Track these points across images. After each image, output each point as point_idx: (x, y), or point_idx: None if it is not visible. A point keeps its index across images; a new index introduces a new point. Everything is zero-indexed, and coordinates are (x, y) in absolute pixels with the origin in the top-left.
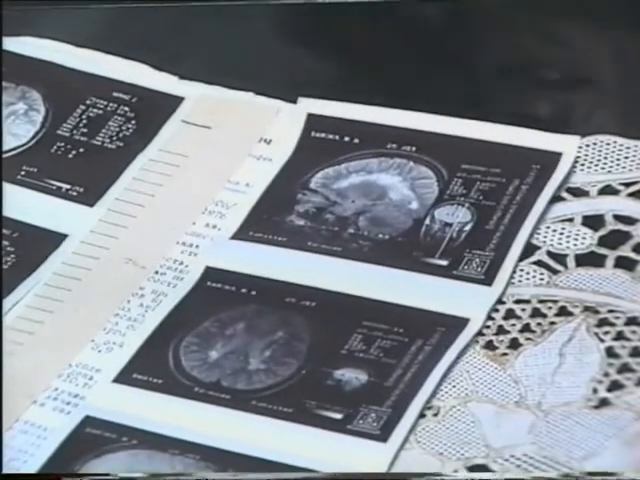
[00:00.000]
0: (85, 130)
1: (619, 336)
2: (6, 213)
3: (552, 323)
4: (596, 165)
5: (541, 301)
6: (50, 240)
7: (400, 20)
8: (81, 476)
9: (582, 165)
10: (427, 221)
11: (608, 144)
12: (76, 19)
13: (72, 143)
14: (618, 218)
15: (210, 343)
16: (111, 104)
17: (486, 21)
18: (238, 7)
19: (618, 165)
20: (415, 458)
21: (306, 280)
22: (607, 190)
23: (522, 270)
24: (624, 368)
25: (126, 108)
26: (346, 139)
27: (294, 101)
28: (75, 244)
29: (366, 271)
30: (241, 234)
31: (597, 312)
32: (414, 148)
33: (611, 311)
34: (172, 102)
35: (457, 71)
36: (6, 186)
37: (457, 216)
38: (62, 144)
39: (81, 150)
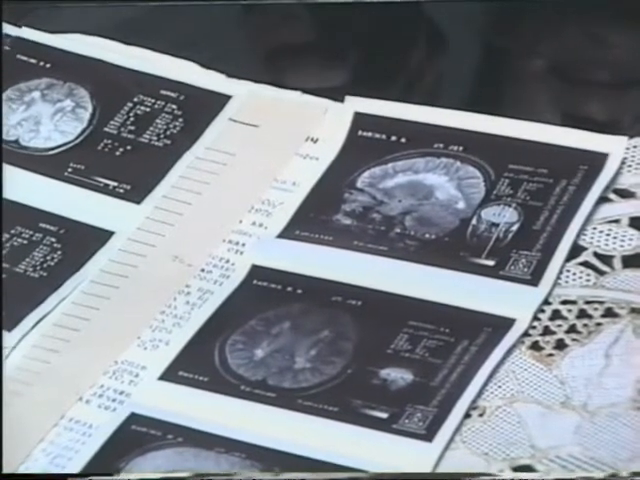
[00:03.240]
0: (132, 128)
1: None
2: (53, 210)
3: (598, 324)
4: None
5: (587, 302)
6: (97, 237)
7: (447, 20)
8: (84, 476)
9: (629, 166)
10: (474, 221)
11: None
12: (124, 16)
13: (119, 140)
14: None
15: (256, 341)
16: (159, 102)
17: (534, 21)
18: (285, 6)
19: None
20: (460, 458)
21: (352, 279)
22: None
23: (569, 271)
24: None
25: (174, 106)
26: (393, 138)
27: (341, 100)
28: (122, 241)
29: (412, 271)
30: (287, 233)
31: None
32: (461, 148)
33: None
34: (219, 100)
35: (505, 71)
36: (54, 183)
37: (504, 216)
38: (109, 141)
39: (128, 148)
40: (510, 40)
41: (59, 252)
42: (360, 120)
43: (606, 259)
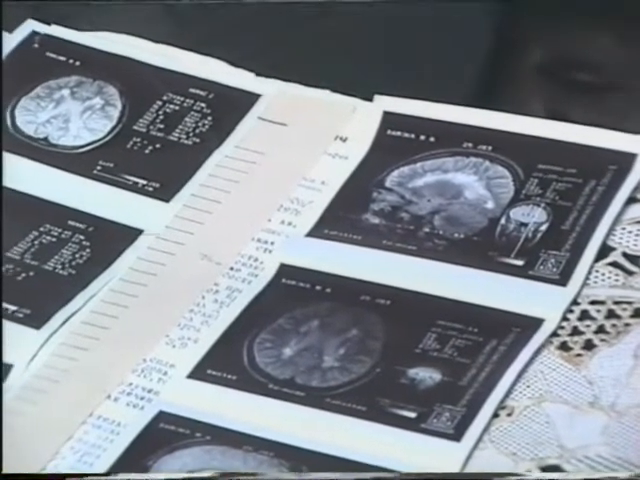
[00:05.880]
0: (162, 126)
1: None
2: (82, 207)
3: (627, 324)
4: None
5: (616, 302)
6: (126, 235)
7: (478, 20)
8: (82, 476)
9: None
10: (503, 221)
11: None
12: (153, 15)
13: (148, 139)
14: None
15: (284, 340)
16: (188, 100)
17: (564, 22)
18: (315, 5)
19: None
20: (488, 458)
21: (381, 278)
22: None
23: (597, 271)
24: None
25: (203, 104)
26: (422, 138)
27: (370, 99)
28: (150, 239)
29: (441, 270)
30: (316, 232)
31: None
32: (490, 147)
33: None
34: (248, 99)
35: (535, 71)
36: (83, 180)
37: (533, 216)
38: (138, 139)
39: (157, 146)
40: (540, 39)
41: (88, 250)
42: (389, 119)
43: (635, 259)
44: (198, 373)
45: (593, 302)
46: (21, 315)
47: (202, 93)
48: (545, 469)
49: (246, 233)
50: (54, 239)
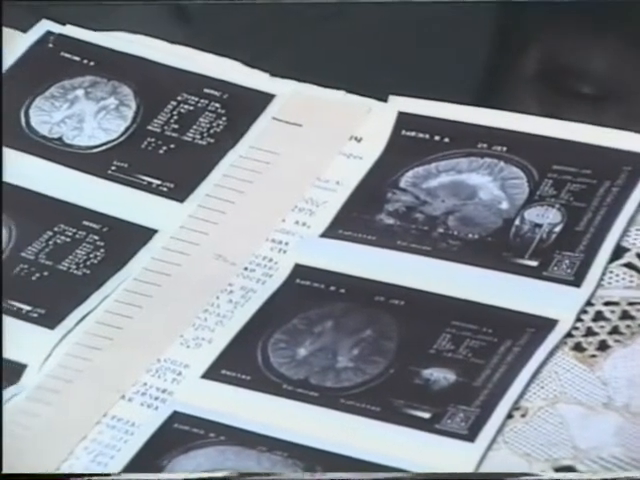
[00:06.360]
0: (176, 126)
1: None
2: (96, 208)
3: None
4: None
5: (630, 303)
6: (140, 235)
7: (494, 20)
8: (80, 476)
9: None
10: (517, 222)
11: None
12: (167, 15)
13: (163, 139)
14: None
15: (298, 340)
16: (202, 100)
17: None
18: (330, 5)
19: None
20: (502, 458)
21: (395, 279)
22: None
23: (611, 272)
24: None
25: (217, 105)
26: (436, 138)
27: (385, 99)
28: (165, 239)
29: (455, 271)
30: (331, 232)
31: None
32: (505, 148)
33: None
34: (263, 99)
35: (550, 71)
36: (97, 180)
37: (547, 217)
38: (153, 140)
39: (172, 146)
40: (555, 41)
41: (102, 250)
42: (404, 120)
43: None
44: (212, 373)
45: (607, 303)
46: (35, 315)
47: (216, 93)
48: (559, 470)
49: (260, 233)
50: (68, 239)
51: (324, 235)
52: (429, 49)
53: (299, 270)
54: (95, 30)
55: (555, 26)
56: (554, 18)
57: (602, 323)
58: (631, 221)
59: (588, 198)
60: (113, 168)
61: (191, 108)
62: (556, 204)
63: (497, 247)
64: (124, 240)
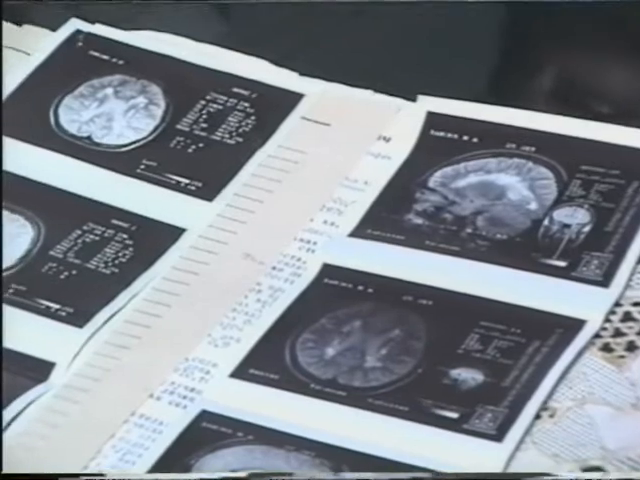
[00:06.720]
0: (205, 125)
1: None
2: (125, 206)
3: None
4: None
5: None
6: (168, 234)
7: (525, 21)
8: (77, 476)
9: None
10: (546, 222)
11: None
12: (196, 14)
13: (192, 138)
14: None
15: (326, 340)
16: (231, 100)
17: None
18: (359, 4)
19: None
20: (530, 459)
21: (423, 279)
22: None
23: None
24: None
25: (246, 104)
26: (465, 138)
27: (414, 99)
28: (193, 238)
29: (484, 271)
30: (359, 232)
31: None
32: (533, 148)
33: None
34: (292, 99)
35: (578, 72)
36: (126, 179)
37: (576, 217)
38: (182, 139)
39: (200, 145)
40: (586, 41)
41: (131, 249)
42: (432, 119)
43: None
44: (240, 372)
45: (635, 304)
46: (64, 314)
47: (245, 92)
48: (587, 470)
49: (289, 233)
50: (97, 238)
51: (352, 235)
52: (458, 49)
53: (327, 270)
54: (124, 29)
55: (586, 26)
56: (585, 20)
57: (630, 324)
58: None
59: (617, 198)
60: (142, 167)
61: (220, 107)
62: (585, 204)
63: (526, 247)
64: (153, 239)
